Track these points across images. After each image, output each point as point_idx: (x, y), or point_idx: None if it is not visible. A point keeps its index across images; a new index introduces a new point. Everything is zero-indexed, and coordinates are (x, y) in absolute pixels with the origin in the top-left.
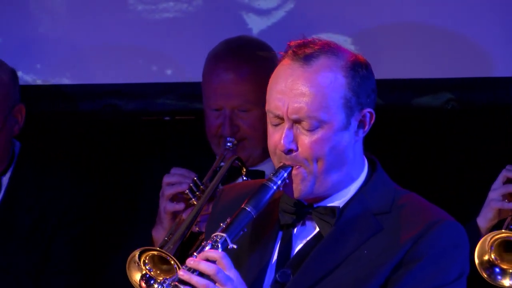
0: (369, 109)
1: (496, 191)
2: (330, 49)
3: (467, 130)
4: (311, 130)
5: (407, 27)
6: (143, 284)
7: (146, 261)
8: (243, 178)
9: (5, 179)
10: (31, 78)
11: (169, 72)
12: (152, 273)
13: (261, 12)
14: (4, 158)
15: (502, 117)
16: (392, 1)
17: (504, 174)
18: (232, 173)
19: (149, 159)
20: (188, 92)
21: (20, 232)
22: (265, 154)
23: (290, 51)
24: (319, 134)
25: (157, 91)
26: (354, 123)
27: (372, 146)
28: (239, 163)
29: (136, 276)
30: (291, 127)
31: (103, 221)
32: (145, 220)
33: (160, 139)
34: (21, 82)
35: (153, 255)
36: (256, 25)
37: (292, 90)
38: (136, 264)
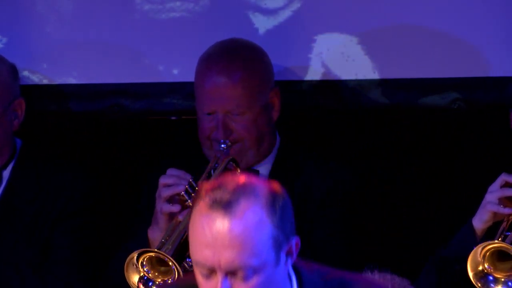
0: (295, 238)
1: (492, 194)
2: (245, 188)
3: (473, 130)
4: (247, 279)
5: (414, 26)
6: (141, 286)
7: (144, 263)
8: None
9: (6, 173)
10: (38, 78)
11: (175, 71)
12: (150, 275)
13: (268, 12)
14: (5, 152)
15: (508, 117)
16: (399, 0)
17: (503, 178)
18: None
19: (151, 159)
20: None
21: (21, 224)
22: (259, 155)
23: (207, 198)
24: (254, 281)
25: (163, 90)
26: (283, 256)
27: (378, 146)
28: (234, 164)
29: (135, 278)
30: (224, 277)
31: (108, 220)
32: (145, 220)
33: (167, 138)
34: (27, 82)
35: (151, 257)
36: (262, 25)
37: (220, 241)
38: (134, 266)
